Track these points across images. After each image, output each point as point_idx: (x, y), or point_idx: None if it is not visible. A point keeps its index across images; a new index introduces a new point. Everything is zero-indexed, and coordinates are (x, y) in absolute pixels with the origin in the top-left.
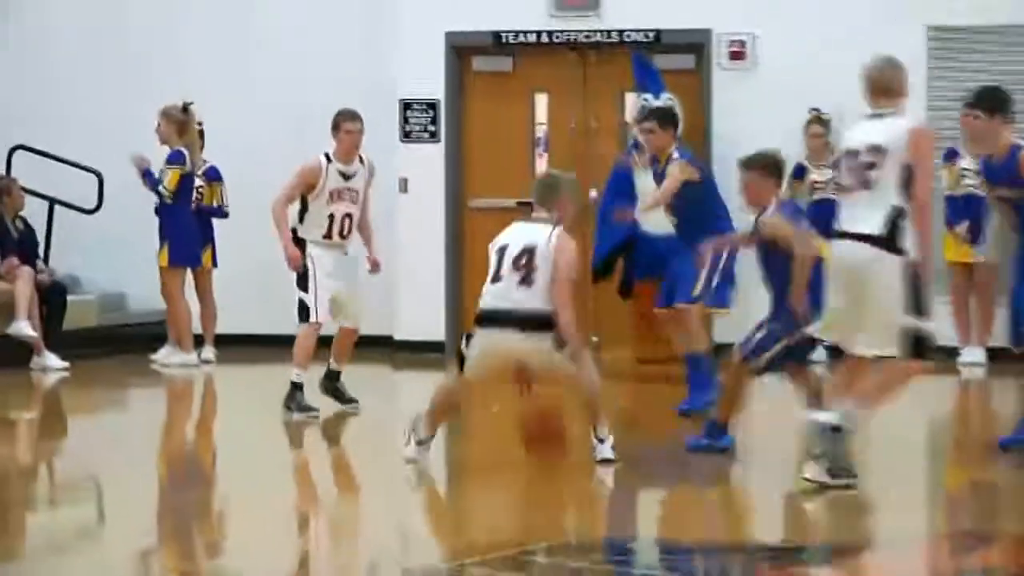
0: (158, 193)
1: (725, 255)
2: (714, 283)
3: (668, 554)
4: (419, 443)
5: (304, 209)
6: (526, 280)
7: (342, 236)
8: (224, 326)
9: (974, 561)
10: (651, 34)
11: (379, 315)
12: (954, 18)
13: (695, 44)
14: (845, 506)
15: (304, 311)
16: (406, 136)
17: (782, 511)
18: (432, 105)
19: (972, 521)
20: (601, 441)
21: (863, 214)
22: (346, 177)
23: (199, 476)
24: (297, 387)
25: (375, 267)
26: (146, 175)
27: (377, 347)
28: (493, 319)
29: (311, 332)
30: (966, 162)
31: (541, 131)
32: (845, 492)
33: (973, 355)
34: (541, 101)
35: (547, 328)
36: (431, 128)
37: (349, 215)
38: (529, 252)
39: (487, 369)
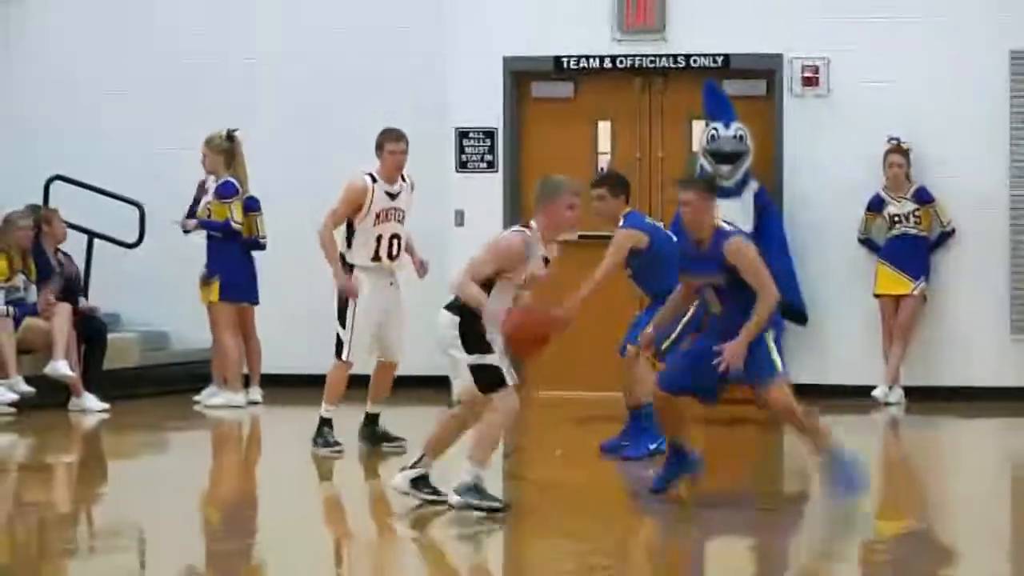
0: (233, 232)
1: (691, 311)
2: (674, 334)
3: None
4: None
5: (351, 232)
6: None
7: (391, 258)
8: (269, 365)
9: None
10: (720, 59)
11: (434, 354)
12: None
13: (766, 70)
14: (930, 550)
15: (339, 347)
16: (462, 166)
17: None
18: (489, 133)
19: None
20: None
21: None
22: (392, 196)
23: (243, 524)
24: (326, 422)
25: (422, 268)
26: (207, 226)
27: (432, 387)
28: None
29: (342, 369)
30: None
31: (604, 161)
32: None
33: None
34: (604, 129)
35: (454, 311)
36: (488, 158)
37: (396, 235)
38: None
39: None
